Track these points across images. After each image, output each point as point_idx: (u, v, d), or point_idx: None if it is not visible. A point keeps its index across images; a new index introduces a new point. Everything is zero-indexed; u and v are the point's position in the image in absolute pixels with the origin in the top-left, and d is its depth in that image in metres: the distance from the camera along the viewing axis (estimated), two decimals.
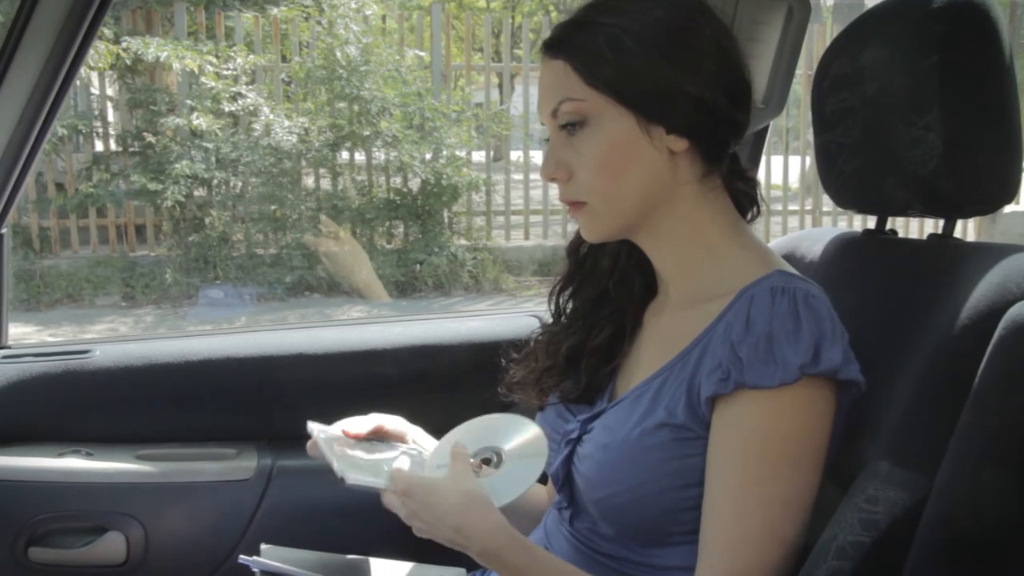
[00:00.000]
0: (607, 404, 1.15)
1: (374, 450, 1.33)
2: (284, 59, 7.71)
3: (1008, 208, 1.34)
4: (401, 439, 1.38)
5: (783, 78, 1.75)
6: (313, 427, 1.35)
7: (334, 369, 1.76)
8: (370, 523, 1.31)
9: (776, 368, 0.96)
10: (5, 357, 1.72)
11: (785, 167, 8.25)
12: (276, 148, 7.10)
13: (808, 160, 8.23)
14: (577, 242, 1.22)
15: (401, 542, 1.54)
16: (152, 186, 6.88)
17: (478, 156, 8.60)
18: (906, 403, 1.05)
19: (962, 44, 1.10)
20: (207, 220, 7.20)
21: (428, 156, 7.41)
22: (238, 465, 1.65)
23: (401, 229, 7.58)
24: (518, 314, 1.94)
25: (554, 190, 8.34)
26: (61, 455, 1.64)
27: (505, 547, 1.02)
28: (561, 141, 1.08)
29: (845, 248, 1.31)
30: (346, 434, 1.35)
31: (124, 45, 6.93)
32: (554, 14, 11.68)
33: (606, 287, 1.22)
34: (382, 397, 1.54)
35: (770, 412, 0.97)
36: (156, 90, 7.41)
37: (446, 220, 7.66)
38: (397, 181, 7.57)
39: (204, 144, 7.04)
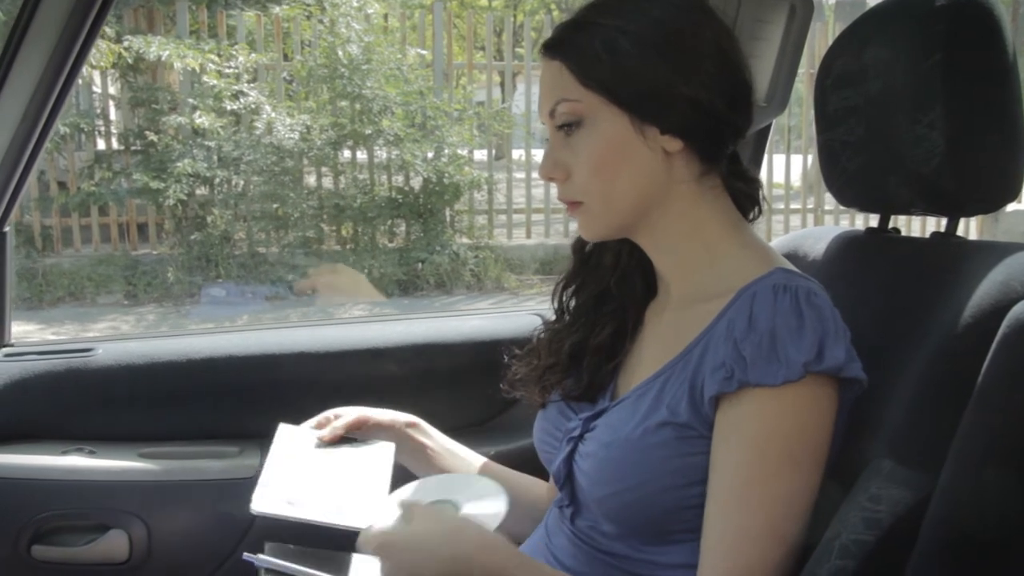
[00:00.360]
0: (609, 402, 1.15)
1: (348, 447, 1.36)
2: (286, 57, 7.71)
3: (1011, 207, 1.34)
4: (387, 428, 1.39)
5: (785, 77, 1.75)
6: (281, 430, 1.37)
7: (336, 367, 1.76)
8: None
9: (780, 366, 0.96)
10: (8, 355, 1.72)
11: (787, 166, 8.25)
12: (278, 147, 7.11)
13: (810, 159, 8.23)
14: (582, 240, 1.22)
15: None
16: (154, 184, 6.89)
17: (480, 155, 8.60)
18: (909, 401, 1.05)
19: (965, 42, 1.10)
20: (209, 219, 7.21)
21: (430, 155, 7.42)
22: (240, 463, 1.65)
23: (403, 228, 7.59)
24: (520, 312, 1.94)
25: (556, 189, 8.40)
26: (64, 453, 1.64)
27: (507, 562, 1.01)
28: (559, 141, 1.08)
29: (847, 246, 1.31)
30: (320, 439, 1.37)
31: (126, 44, 6.94)
32: (556, 13, 11.68)
33: (608, 284, 1.22)
34: (384, 395, 1.54)
35: (774, 410, 0.97)
36: (158, 88, 7.42)
37: (448, 219, 7.67)
38: (399, 180, 7.57)
39: (206, 143, 7.05)
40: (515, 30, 8.86)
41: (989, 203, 1.15)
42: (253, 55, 7.34)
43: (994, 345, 0.96)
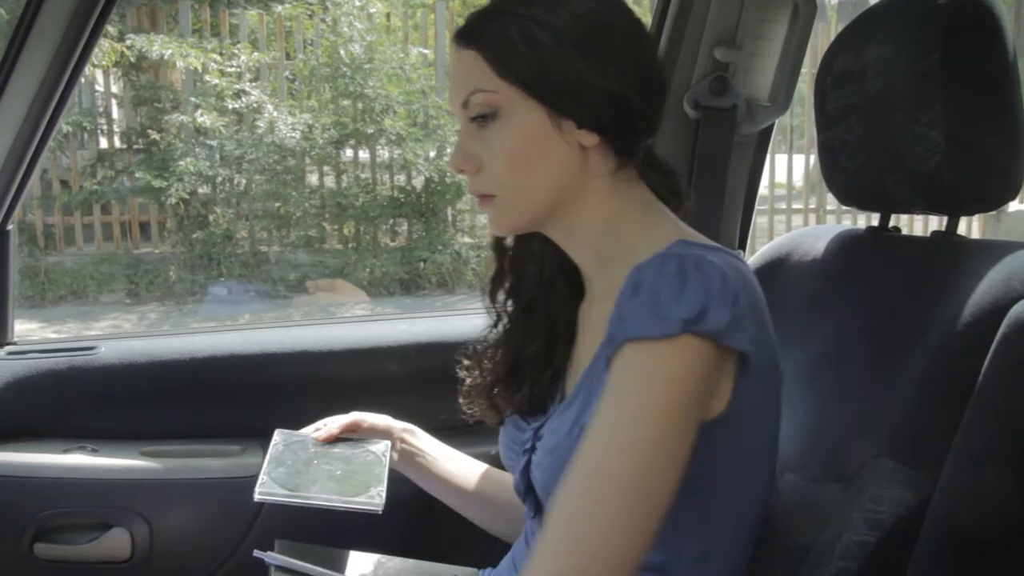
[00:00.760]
0: (556, 408, 1.14)
1: (344, 448, 1.37)
2: (288, 56, 7.71)
3: (1013, 206, 1.34)
4: (382, 432, 1.39)
5: (789, 76, 1.75)
6: (277, 435, 1.38)
7: (339, 366, 1.77)
8: (377, 521, 1.31)
9: (659, 321, 0.91)
10: (11, 354, 1.72)
11: (789, 165, 8.24)
12: (280, 145, 7.11)
13: (812, 158, 8.22)
14: (500, 239, 1.20)
15: (410, 540, 1.55)
16: (156, 183, 6.89)
17: None
18: (909, 401, 1.05)
19: (965, 41, 1.10)
20: (211, 217, 7.21)
21: (432, 154, 7.41)
22: (243, 462, 1.65)
23: (405, 227, 7.59)
24: None
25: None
26: (66, 451, 1.64)
27: None
28: (471, 133, 1.06)
29: (848, 245, 1.31)
30: (317, 439, 1.38)
31: (128, 42, 6.94)
32: None
33: (534, 295, 1.20)
34: (386, 394, 1.54)
35: (651, 363, 0.92)
36: (160, 87, 7.42)
37: (450, 218, 7.66)
38: (401, 179, 7.56)
39: (208, 141, 7.05)
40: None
41: (989, 202, 1.15)
42: (255, 54, 7.33)
43: (994, 344, 0.96)
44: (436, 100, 7.48)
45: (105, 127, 7.75)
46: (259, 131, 7.14)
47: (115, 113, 7.89)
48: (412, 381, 1.77)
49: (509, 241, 1.21)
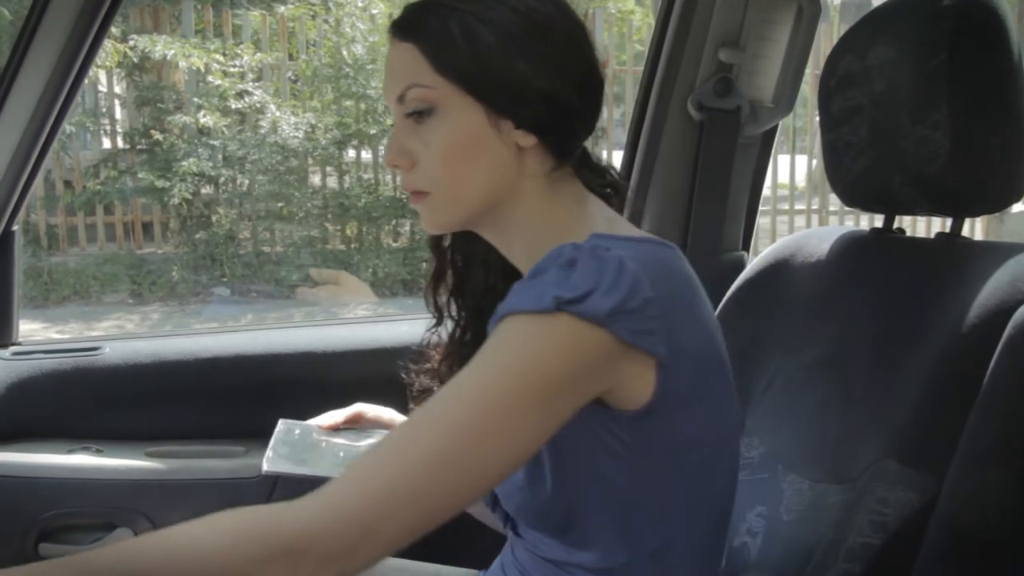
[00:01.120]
0: None
1: (347, 438, 1.38)
2: (291, 57, 7.71)
3: (1016, 208, 1.34)
4: (386, 426, 1.39)
5: (792, 77, 1.75)
6: (281, 423, 1.38)
7: (343, 366, 1.77)
8: None
9: (535, 297, 0.89)
10: (16, 354, 1.73)
11: (792, 166, 8.23)
12: (283, 146, 7.11)
13: (815, 160, 8.22)
14: (438, 239, 1.19)
15: (418, 542, 1.55)
16: (159, 183, 6.89)
17: None
18: (913, 402, 1.05)
19: (969, 43, 1.10)
20: (214, 218, 7.21)
21: None
22: (247, 463, 1.65)
23: (407, 227, 7.59)
24: None
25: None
26: (71, 452, 1.65)
27: None
28: (407, 128, 1.04)
29: (852, 246, 1.31)
30: (320, 427, 1.38)
31: (132, 43, 6.94)
32: None
33: (479, 299, 1.18)
34: (390, 394, 1.54)
35: (515, 331, 0.90)
36: (163, 88, 7.42)
37: None
38: None
39: (211, 142, 7.05)
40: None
41: (994, 203, 1.15)
42: (258, 54, 7.34)
43: (999, 346, 0.96)
44: None
45: (108, 127, 7.76)
46: (262, 131, 7.14)
47: (118, 113, 7.90)
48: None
49: (448, 241, 1.19)
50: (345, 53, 7.28)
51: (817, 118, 1.32)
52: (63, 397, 1.71)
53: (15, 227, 1.67)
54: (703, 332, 0.98)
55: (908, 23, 1.15)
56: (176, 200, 6.87)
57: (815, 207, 8.30)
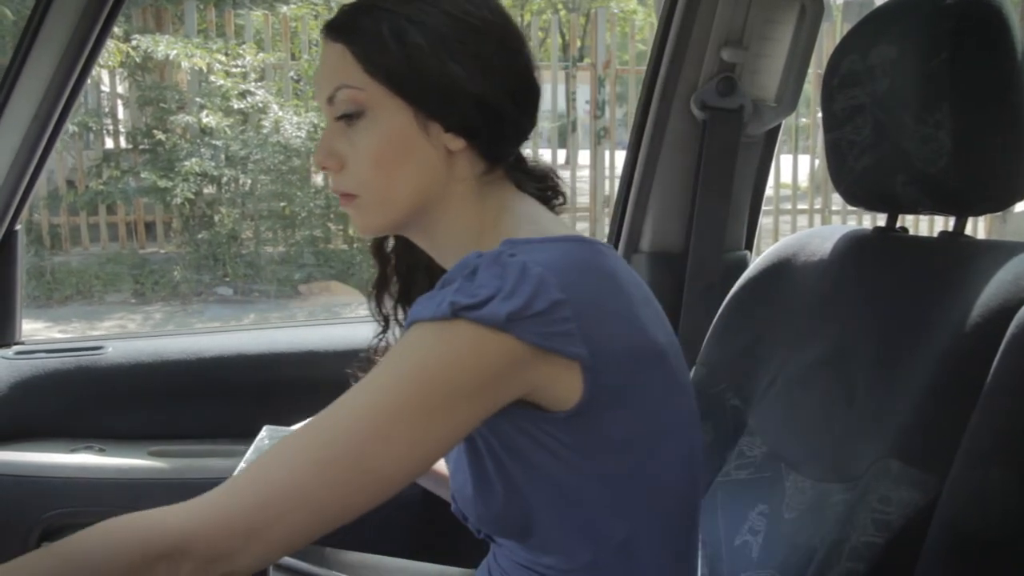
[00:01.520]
0: None
1: None
2: (293, 57, 7.72)
3: (1019, 207, 1.34)
4: None
5: (795, 77, 1.75)
6: (265, 430, 1.37)
7: (346, 366, 1.77)
8: (379, 522, 1.31)
9: (434, 305, 0.89)
10: (18, 353, 1.73)
11: (794, 166, 8.24)
12: (285, 145, 7.12)
13: (818, 159, 8.22)
14: (379, 243, 1.18)
15: (410, 542, 1.55)
16: (162, 183, 6.90)
17: None
18: (916, 401, 1.05)
19: (972, 42, 1.10)
20: (216, 217, 7.22)
21: None
22: None
23: None
24: None
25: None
26: (73, 451, 1.65)
27: None
28: (337, 130, 1.03)
29: (855, 246, 1.30)
30: None
31: (134, 43, 6.95)
32: (562, 12, 11.67)
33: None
34: None
35: (413, 338, 0.90)
36: (166, 88, 7.43)
37: None
38: None
39: (213, 141, 7.06)
40: (522, 30, 8.83)
41: (997, 202, 1.15)
42: (261, 54, 7.34)
43: (1002, 345, 0.96)
44: None
45: (111, 127, 7.77)
46: (264, 131, 7.15)
47: (121, 113, 7.91)
48: None
49: (391, 247, 1.18)
50: None
51: (820, 116, 1.32)
52: (65, 396, 1.71)
53: (18, 227, 1.68)
54: (633, 328, 0.96)
55: (910, 22, 1.15)
56: (179, 200, 6.88)
57: (818, 207, 8.30)
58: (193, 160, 6.91)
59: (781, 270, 1.37)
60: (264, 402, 1.74)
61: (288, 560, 1.25)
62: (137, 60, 7.15)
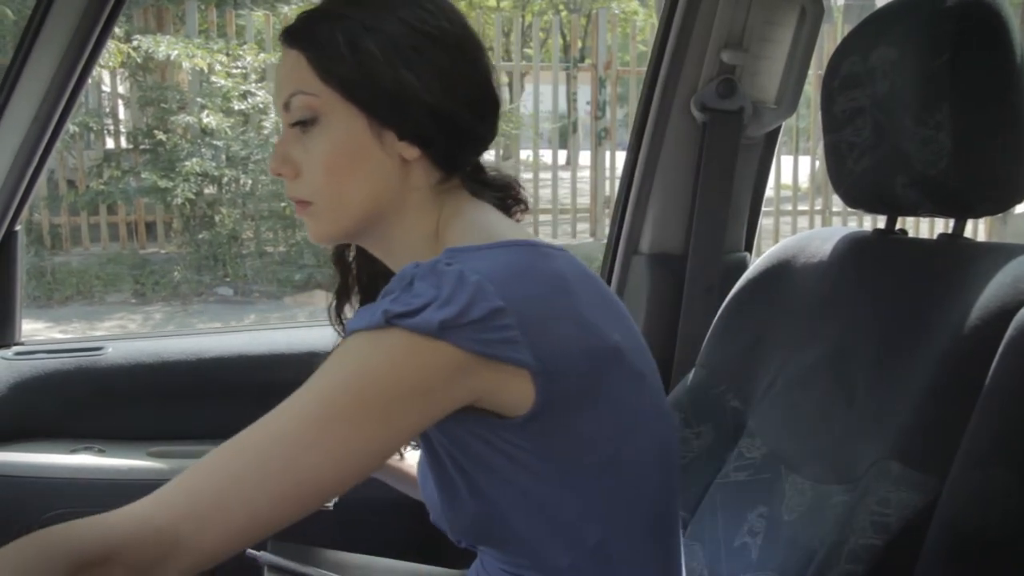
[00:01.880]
0: None
1: None
2: None
3: (1019, 209, 1.34)
4: None
5: (796, 78, 1.75)
6: None
7: None
8: (378, 524, 1.32)
9: (369, 315, 0.89)
10: (18, 354, 1.73)
11: (795, 167, 8.24)
12: None
13: (818, 161, 8.22)
14: (340, 248, 1.17)
15: (408, 544, 1.55)
16: (162, 183, 6.90)
17: (488, 155, 8.57)
18: (916, 403, 1.05)
19: (972, 43, 1.10)
20: (217, 218, 7.22)
21: None
22: None
23: None
24: None
25: (564, 189, 8.35)
26: (73, 452, 1.65)
27: None
28: (293, 136, 1.02)
29: (855, 247, 1.31)
30: None
31: (135, 43, 6.96)
32: (564, 13, 11.67)
33: None
34: None
35: (347, 348, 0.90)
36: (167, 88, 7.44)
37: None
38: None
39: (214, 142, 7.06)
40: (523, 31, 8.86)
41: (997, 204, 1.15)
42: (262, 55, 7.34)
43: (1001, 347, 0.96)
44: None
45: (111, 127, 7.78)
46: (265, 132, 7.15)
47: (121, 113, 7.91)
48: None
49: (352, 255, 1.17)
50: None
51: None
52: (65, 397, 1.71)
53: (18, 227, 1.68)
54: (584, 330, 0.94)
55: (911, 24, 1.15)
56: (179, 200, 6.88)
57: (818, 208, 8.31)
58: (194, 160, 6.91)
59: (781, 272, 1.37)
60: (264, 403, 1.72)
61: (282, 561, 1.25)
62: (138, 60, 7.15)
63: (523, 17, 10.19)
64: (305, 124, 1.01)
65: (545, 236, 8.06)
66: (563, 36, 9.46)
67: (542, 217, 8.16)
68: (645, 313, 1.81)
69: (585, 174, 8.67)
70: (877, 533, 1.01)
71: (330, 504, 1.26)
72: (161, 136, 7.16)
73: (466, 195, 1.06)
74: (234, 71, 7.22)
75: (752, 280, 1.42)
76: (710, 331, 1.46)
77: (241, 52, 7.26)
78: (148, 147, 7.35)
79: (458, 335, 0.86)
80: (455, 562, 1.36)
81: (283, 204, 7.23)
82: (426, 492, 1.06)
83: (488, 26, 9.45)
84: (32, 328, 5.72)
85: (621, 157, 7.12)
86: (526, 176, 8.33)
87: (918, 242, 1.27)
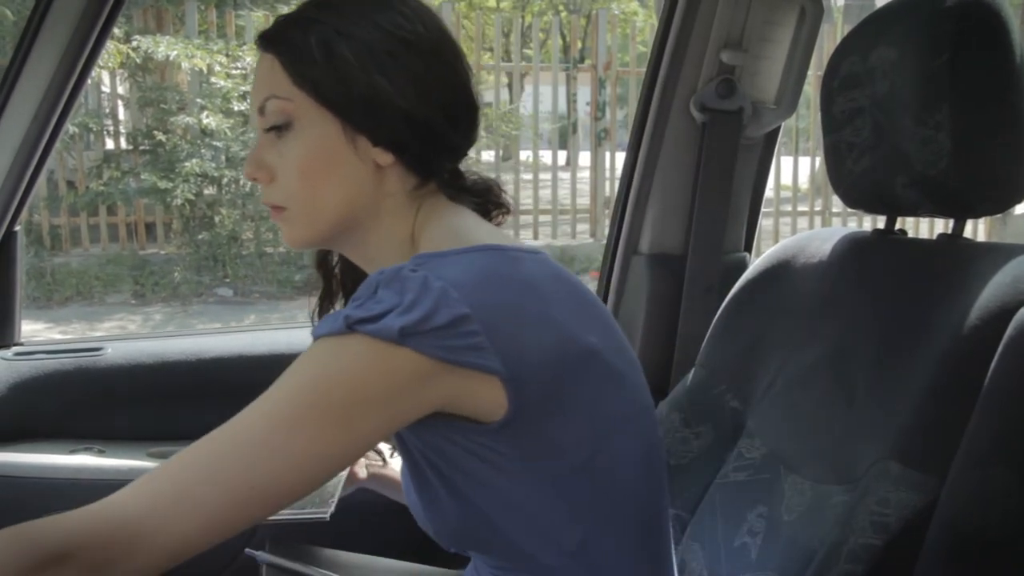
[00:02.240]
0: None
1: None
2: None
3: (1019, 209, 1.34)
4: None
5: (795, 79, 1.75)
6: None
7: None
8: (377, 524, 1.32)
9: (332, 321, 0.89)
10: (18, 354, 1.73)
11: (795, 168, 8.24)
12: None
13: (818, 161, 8.22)
14: (323, 254, 1.16)
15: (406, 544, 1.55)
16: (162, 184, 6.91)
17: (487, 156, 8.61)
18: (915, 403, 1.05)
19: (972, 43, 1.10)
20: (216, 218, 7.22)
21: None
22: None
23: None
24: None
25: (564, 190, 8.35)
26: (73, 452, 1.65)
27: None
28: (268, 141, 1.02)
29: (855, 248, 1.31)
30: None
31: (135, 44, 6.96)
32: (564, 13, 11.68)
33: None
34: None
35: (310, 353, 0.90)
36: (166, 89, 7.44)
37: None
38: None
39: (214, 143, 7.06)
40: (523, 31, 8.87)
41: (996, 204, 1.15)
42: None
43: (1000, 347, 0.97)
44: None
45: (111, 128, 7.78)
46: None
47: (121, 114, 7.91)
48: None
49: (335, 260, 1.17)
50: None
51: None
52: (65, 397, 1.71)
53: (17, 227, 1.68)
54: (555, 333, 0.93)
55: (910, 24, 1.15)
56: (179, 201, 6.88)
57: (818, 208, 8.31)
58: (193, 161, 6.91)
59: (780, 272, 1.37)
60: None
61: (281, 560, 1.25)
62: (138, 61, 7.16)
63: (523, 18, 10.20)
64: (280, 129, 1.00)
65: (545, 237, 8.07)
66: (563, 37, 9.47)
67: (542, 218, 8.16)
68: (645, 313, 1.82)
69: (585, 175, 8.67)
70: (877, 533, 1.01)
71: (327, 515, 1.25)
72: (161, 137, 7.16)
73: (443, 200, 1.05)
74: (234, 72, 7.22)
75: (752, 280, 1.42)
76: (709, 331, 1.46)
77: (241, 53, 7.26)
78: (148, 148, 7.35)
79: (420, 341, 0.86)
80: (452, 562, 1.36)
81: None
82: (409, 497, 1.05)
83: (488, 26, 9.45)
84: (32, 329, 5.72)
85: (621, 158, 7.12)
86: (526, 177, 8.33)
87: (918, 242, 1.27)
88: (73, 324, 6.33)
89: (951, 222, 1.20)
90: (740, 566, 1.23)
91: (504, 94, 9.35)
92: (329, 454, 0.88)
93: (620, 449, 0.99)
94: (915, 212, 1.22)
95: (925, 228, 5.97)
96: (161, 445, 1.68)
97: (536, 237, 8.09)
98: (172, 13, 7.92)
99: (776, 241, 6.40)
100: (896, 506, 1.01)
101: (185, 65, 7.06)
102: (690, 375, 1.45)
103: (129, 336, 3.98)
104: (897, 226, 1.29)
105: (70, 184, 7.51)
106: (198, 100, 7.18)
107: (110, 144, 7.78)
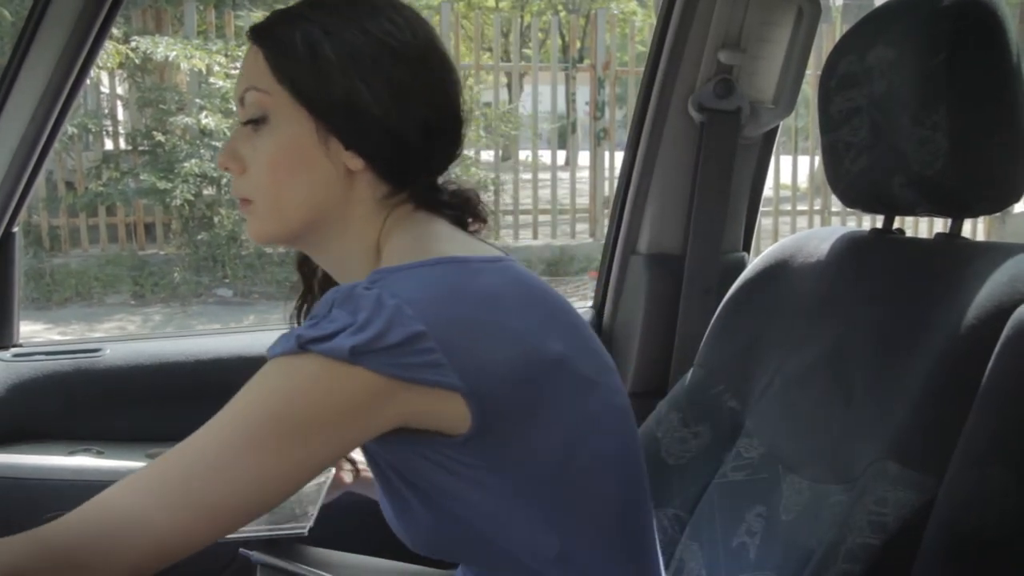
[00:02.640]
0: None
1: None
2: None
3: (1018, 208, 1.34)
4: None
5: (793, 79, 1.75)
6: None
7: None
8: (371, 524, 1.31)
9: (285, 340, 0.89)
10: (17, 356, 1.73)
11: (794, 167, 8.24)
12: None
13: (817, 160, 8.22)
14: (303, 255, 1.15)
15: (401, 544, 1.55)
16: (161, 185, 6.91)
17: (487, 155, 8.61)
18: (913, 403, 1.05)
19: (970, 43, 1.10)
20: (216, 219, 7.22)
21: None
22: None
23: None
24: None
25: (563, 190, 8.34)
26: (72, 453, 1.65)
27: None
28: (243, 133, 1.02)
29: (852, 247, 1.31)
30: None
31: (133, 44, 6.96)
32: (562, 13, 11.68)
33: None
34: None
35: (262, 373, 0.90)
36: (166, 89, 7.44)
37: None
38: None
39: (213, 143, 7.06)
40: (522, 31, 8.87)
41: (994, 204, 1.15)
42: None
43: (998, 347, 0.97)
44: None
45: (110, 128, 7.78)
46: None
47: (120, 115, 7.91)
48: None
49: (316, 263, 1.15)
50: None
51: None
52: (64, 399, 1.71)
53: (16, 228, 1.68)
54: (517, 344, 0.92)
55: (908, 24, 1.15)
56: (178, 201, 6.89)
57: (817, 208, 8.31)
58: (193, 161, 6.91)
59: (778, 272, 1.37)
60: None
61: (275, 560, 1.25)
62: (136, 61, 7.16)
63: (522, 17, 10.19)
64: (257, 123, 1.00)
65: (544, 236, 8.07)
66: (562, 36, 9.48)
67: (541, 217, 8.16)
68: (643, 313, 1.82)
69: (584, 174, 8.67)
70: (875, 533, 1.01)
71: (304, 530, 1.25)
72: (160, 137, 7.16)
73: (417, 212, 1.03)
74: (233, 72, 7.21)
75: (750, 280, 1.42)
76: (708, 331, 1.46)
77: (239, 53, 7.26)
78: (147, 148, 7.35)
79: (373, 360, 0.85)
80: (445, 562, 1.36)
81: None
82: (385, 513, 1.05)
83: (487, 26, 9.45)
84: (31, 330, 5.72)
85: (620, 157, 7.13)
86: (525, 176, 8.33)
87: (915, 242, 1.27)
88: (72, 325, 6.33)
89: (949, 221, 1.20)
90: (738, 566, 1.23)
91: (503, 94, 9.35)
92: (284, 473, 0.88)
93: (594, 454, 0.98)
94: (913, 211, 1.22)
95: (925, 228, 5.97)
96: (160, 446, 1.68)
97: (535, 237, 8.09)
98: (171, 13, 7.92)
99: (776, 240, 6.41)
100: (894, 506, 1.01)
101: (184, 65, 7.06)
102: (688, 375, 1.45)
103: (128, 337, 3.98)
104: (895, 225, 1.29)
105: (69, 185, 7.51)
106: (197, 100, 7.19)
107: (109, 145, 7.78)
